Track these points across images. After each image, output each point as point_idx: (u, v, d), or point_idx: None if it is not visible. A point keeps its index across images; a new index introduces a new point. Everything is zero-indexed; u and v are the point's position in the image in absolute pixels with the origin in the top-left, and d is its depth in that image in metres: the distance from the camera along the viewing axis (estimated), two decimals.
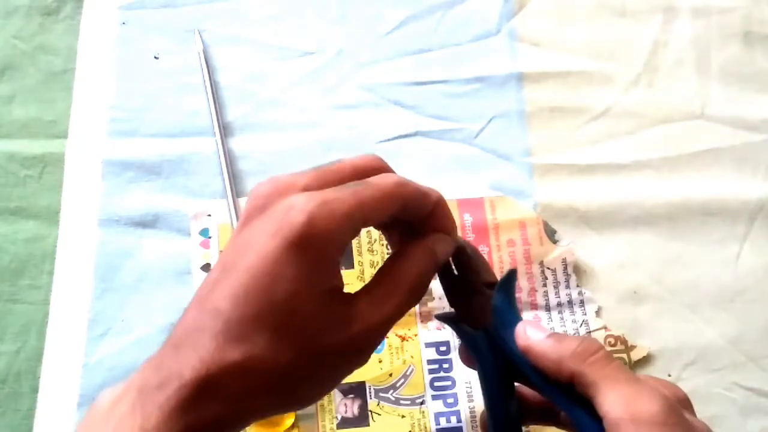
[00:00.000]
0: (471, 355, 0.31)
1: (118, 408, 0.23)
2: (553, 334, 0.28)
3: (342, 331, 0.25)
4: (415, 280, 0.27)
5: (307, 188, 0.25)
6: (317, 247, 0.24)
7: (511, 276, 0.30)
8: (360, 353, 0.27)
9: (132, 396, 0.23)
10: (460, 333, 0.31)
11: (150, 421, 0.22)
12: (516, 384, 0.30)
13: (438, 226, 0.29)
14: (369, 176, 0.27)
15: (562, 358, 0.26)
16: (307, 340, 0.25)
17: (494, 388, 0.30)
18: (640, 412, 0.24)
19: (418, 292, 0.28)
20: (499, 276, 0.30)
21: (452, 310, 0.31)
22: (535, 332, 0.28)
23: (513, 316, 0.29)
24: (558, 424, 0.31)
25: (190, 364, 0.23)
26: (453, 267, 0.31)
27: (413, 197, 0.27)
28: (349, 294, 0.26)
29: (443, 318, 0.32)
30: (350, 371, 0.27)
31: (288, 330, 0.24)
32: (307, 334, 0.25)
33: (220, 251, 0.27)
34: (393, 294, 0.27)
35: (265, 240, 0.24)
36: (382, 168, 0.28)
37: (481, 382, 0.30)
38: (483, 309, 0.29)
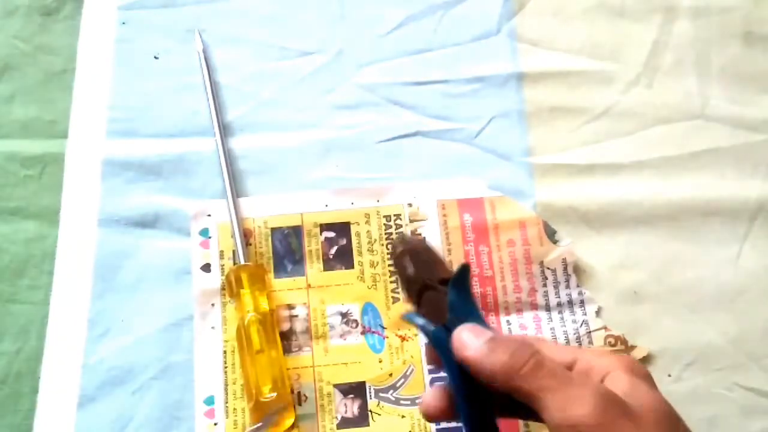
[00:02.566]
0: (436, 353, 0.30)
1: None
2: (489, 341, 0.27)
3: None
4: None
5: None
6: None
7: (464, 271, 0.30)
8: None
9: None
10: (422, 330, 0.30)
11: None
12: None
13: None
14: None
15: (494, 374, 0.26)
16: None
17: (459, 384, 0.29)
18: (574, 416, 0.24)
19: None
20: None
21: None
22: (471, 338, 0.27)
23: (469, 312, 0.29)
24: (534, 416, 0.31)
25: None
26: (410, 265, 0.31)
27: None
28: None
29: (407, 317, 0.31)
30: None
31: None
32: None
33: None
34: None
35: None
36: None
37: (448, 379, 0.30)
38: (440, 306, 0.30)
